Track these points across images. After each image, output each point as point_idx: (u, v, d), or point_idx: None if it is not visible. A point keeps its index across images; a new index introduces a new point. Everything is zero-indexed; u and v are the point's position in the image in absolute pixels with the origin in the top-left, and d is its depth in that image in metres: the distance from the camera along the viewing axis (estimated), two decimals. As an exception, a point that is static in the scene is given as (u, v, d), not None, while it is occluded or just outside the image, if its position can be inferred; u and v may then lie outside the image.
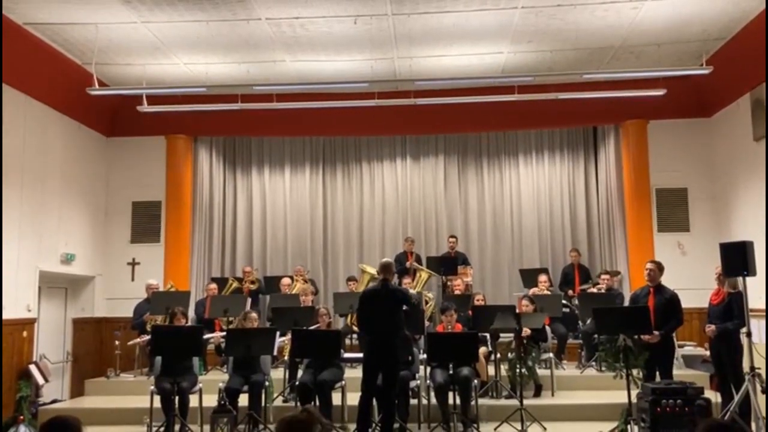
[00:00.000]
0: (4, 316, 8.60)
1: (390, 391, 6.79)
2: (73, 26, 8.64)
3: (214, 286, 10.62)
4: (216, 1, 7.93)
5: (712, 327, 7.10)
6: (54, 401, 9.44)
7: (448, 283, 10.67)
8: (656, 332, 7.03)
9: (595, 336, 8.81)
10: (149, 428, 7.21)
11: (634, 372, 6.77)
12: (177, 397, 7.17)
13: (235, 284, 10.92)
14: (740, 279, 6.77)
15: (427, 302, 9.93)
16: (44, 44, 9.10)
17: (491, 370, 8.38)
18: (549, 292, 10.15)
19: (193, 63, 9.86)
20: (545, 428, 7.29)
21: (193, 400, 7.45)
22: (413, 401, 7.54)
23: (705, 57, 9.29)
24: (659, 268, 7.46)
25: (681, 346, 9.47)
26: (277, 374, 8.47)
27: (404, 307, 6.98)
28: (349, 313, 9.68)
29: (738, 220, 10.12)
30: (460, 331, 7.95)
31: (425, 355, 7.63)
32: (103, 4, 7.98)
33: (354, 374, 7.79)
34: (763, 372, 6.49)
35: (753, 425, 6.44)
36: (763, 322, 8.21)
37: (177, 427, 7.22)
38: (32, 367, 9.02)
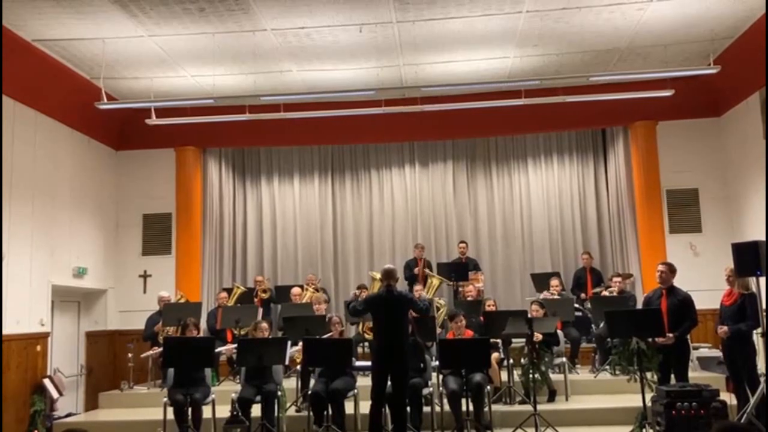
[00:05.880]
0: (18, 331, 8.66)
1: (401, 399, 6.77)
2: (80, 41, 8.71)
3: (224, 294, 10.65)
4: (221, 13, 7.98)
5: (725, 328, 7.02)
6: (69, 415, 9.49)
7: (460, 289, 10.64)
8: (670, 334, 6.97)
9: (609, 339, 8.75)
10: (163, 440, 7.23)
11: (648, 375, 6.71)
12: (190, 409, 7.19)
13: (240, 291, 10.87)
14: (753, 279, 6.71)
15: (438, 309, 9.90)
16: (53, 60, 9.18)
17: (504, 376, 8.35)
18: (560, 297, 10.09)
19: (200, 75, 9.91)
20: (560, 433, 7.24)
21: (206, 412, 7.48)
22: (426, 409, 7.50)
23: (713, 56, 9.23)
24: (671, 269, 7.38)
25: (696, 348, 9.38)
26: (290, 384, 8.51)
27: (412, 312, 6.96)
28: (361, 321, 9.67)
29: (750, 219, 10.03)
30: (470, 337, 7.92)
31: (437, 362, 7.60)
32: (110, 19, 8.05)
33: (366, 383, 7.72)
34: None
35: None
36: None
37: (190, 438, 7.24)
38: (46, 381, 9.06)
